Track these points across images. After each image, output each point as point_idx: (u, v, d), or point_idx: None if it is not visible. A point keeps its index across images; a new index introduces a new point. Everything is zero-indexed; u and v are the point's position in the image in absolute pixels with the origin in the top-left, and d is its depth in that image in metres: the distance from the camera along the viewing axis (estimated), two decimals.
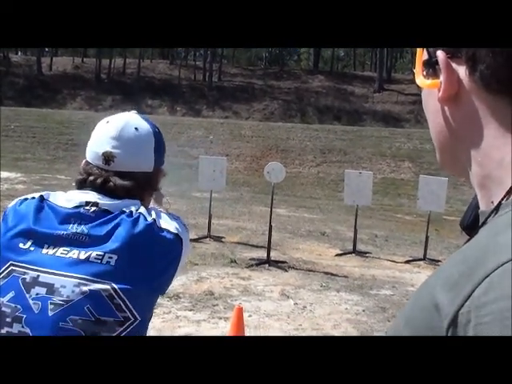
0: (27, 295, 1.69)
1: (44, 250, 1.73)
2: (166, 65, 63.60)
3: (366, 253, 12.78)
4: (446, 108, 0.90)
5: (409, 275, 10.86)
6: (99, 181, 1.83)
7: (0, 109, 36.40)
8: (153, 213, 1.84)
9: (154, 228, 1.78)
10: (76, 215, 1.78)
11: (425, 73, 0.92)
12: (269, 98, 53.81)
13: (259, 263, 10.82)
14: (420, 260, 12.11)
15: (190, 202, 19.32)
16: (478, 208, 1.11)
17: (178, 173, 28.48)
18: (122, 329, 1.68)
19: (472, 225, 1.12)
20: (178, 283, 8.99)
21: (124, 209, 1.80)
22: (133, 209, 1.81)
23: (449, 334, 0.73)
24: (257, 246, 12.44)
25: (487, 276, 0.71)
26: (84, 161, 1.92)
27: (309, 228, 16.02)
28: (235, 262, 10.85)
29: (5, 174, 22.83)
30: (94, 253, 1.70)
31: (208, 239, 12.84)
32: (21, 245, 1.74)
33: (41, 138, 34.90)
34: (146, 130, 1.94)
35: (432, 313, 0.76)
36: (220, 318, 7.50)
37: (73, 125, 35.76)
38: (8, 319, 1.69)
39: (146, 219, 1.79)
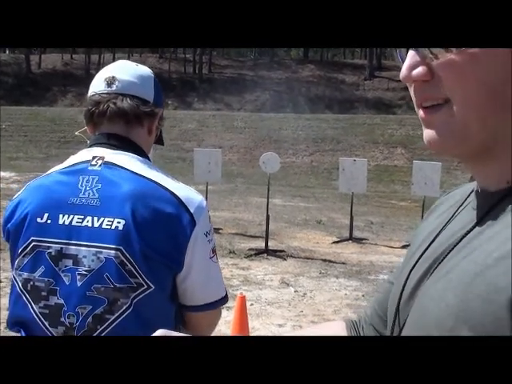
0: (56, 268, 1.75)
1: (61, 220, 1.77)
2: (155, 59, 63.30)
3: (363, 239, 12.88)
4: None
5: None
6: (102, 108, 1.89)
7: None
8: (162, 176, 1.88)
9: (160, 191, 1.81)
10: (84, 171, 1.83)
11: None
12: (260, 88, 53.68)
13: (258, 253, 10.92)
14: None
15: None
16: None
17: (172, 166, 28.55)
18: (134, 294, 1.72)
19: None
20: None
21: (128, 165, 1.84)
22: (137, 165, 1.85)
23: None
24: (254, 237, 12.54)
25: None
26: (88, 94, 1.98)
27: (305, 217, 16.11)
28: (234, 252, 10.94)
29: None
30: (105, 219, 1.74)
31: None
32: (38, 219, 1.78)
33: (33, 136, 34.85)
34: (146, 68, 2.05)
35: (501, 307, 0.72)
36: (222, 308, 7.57)
37: (64, 122, 35.68)
38: (44, 293, 1.76)
39: (151, 181, 1.82)
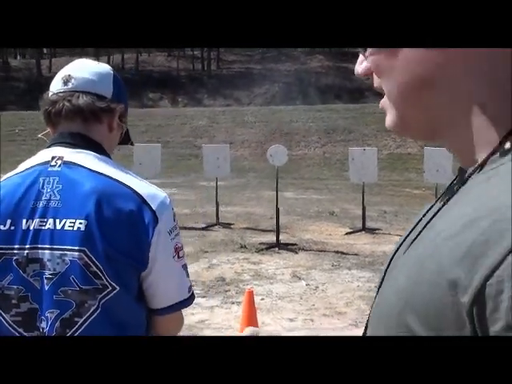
0: (24, 274, 1.72)
1: (24, 226, 1.73)
2: (164, 57, 63.52)
3: (376, 229, 12.76)
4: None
5: None
6: (58, 107, 1.86)
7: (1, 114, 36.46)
8: (123, 173, 1.84)
9: (121, 189, 1.77)
10: (44, 172, 1.79)
11: None
12: (269, 81, 53.65)
13: (269, 247, 10.83)
14: None
15: (197, 191, 19.35)
16: None
17: (184, 163, 28.54)
18: (101, 295, 1.69)
19: None
20: (189, 271, 9.01)
21: (88, 164, 1.80)
22: (97, 163, 1.82)
23: (473, 311, 0.66)
24: (266, 231, 12.45)
25: None
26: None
27: (317, 209, 16.01)
28: (245, 247, 10.87)
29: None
30: (67, 221, 1.71)
31: (217, 227, 12.89)
32: (1, 227, 1.74)
33: (45, 140, 35.02)
34: (105, 66, 2.03)
35: (444, 290, 0.69)
36: (233, 303, 7.54)
37: None
38: (14, 301, 1.72)
39: (112, 179, 1.78)
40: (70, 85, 1.88)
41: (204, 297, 7.79)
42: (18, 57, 70.28)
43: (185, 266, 1.88)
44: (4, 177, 1.89)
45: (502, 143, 0.77)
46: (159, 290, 1.82)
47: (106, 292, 1.70)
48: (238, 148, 31.00)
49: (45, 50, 73.00)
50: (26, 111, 41.76)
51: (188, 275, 1.91)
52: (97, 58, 56.00)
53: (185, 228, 12.65)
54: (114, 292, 1.70)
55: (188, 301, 1.89)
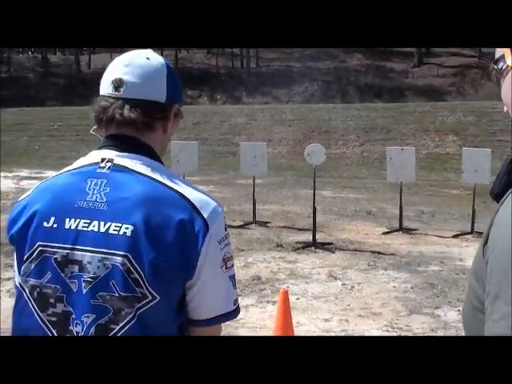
0: (63, 274, 1.70)
1: (67, 225, 1.71)
2: (203, 54, 63.67)
3: (413, 229, 12.65)
4: None
5: (457, 250, 10.74)
6: (109, 115, 1.78)
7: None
8: (174, 180, 1.78)
9: (172, 196, 1.72)
10: (92, 174, 1.77)
11: None
12: (308, 79, 53.46)
13: (305, 246, 10.82)
14: (468, 234, 11.93)
15: (235, 189, 19.41)
16: (509, 174, 1.12)
17: (222, 161, 28.60)
18: (139, 305, 1.65)
19: (502, 192, 1.12)
20: None
21: (139, 168, 1.76)
22: (147, 168, 1.77)
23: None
24: (302, 229, 12.43)
25: None
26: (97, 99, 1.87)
27: (355, 208, 15.93)
28: (281, 246, 10.87)
29: (53, 174, 23.15)
30: (112, 224, 1.68)
31: (253, 225, 12.89)
32: (45, 223, 1.73)
33: (84, 135, 35.26)
34: (158, 59, 1.88)
35: None
36: (268, 302, 7.55)
37: None
38: (51, 300, 1.71)
39: (163, 185, 1.74)
40: (121, 90, 1.79)
41: (239, 295, 7.76)
42: (58, 53, 71.04)
43: (232, 277, 1.82)
44: (54, 174, 1.88)
45: None
46: (204, 300, 1.76)
47: (144, 302, 1.66)
48: (276, 146, 30.98)
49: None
50: (65, 107, 42.27)
51: (235, 287, 1.84)
52: None
53: None
54: (154, 302, 1.66)
55: (233, 313, 1.82)
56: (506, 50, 1.02)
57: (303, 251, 10.56)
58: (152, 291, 1.66)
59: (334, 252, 10.55)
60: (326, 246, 10.87)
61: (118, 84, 1.79)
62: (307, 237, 11.38)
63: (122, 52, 1.90)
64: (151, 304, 1.66)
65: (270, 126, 34.09)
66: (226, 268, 1.78)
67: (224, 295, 1.80)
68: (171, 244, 1.66)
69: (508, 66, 1.06)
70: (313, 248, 10.73)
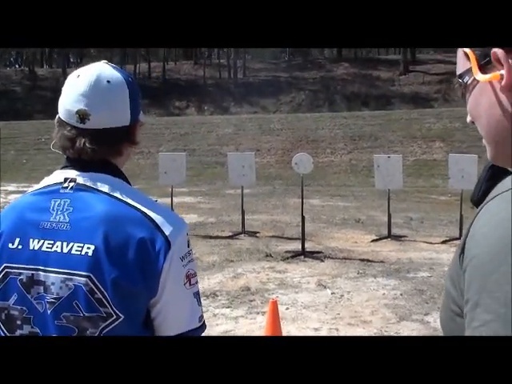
0: (29, 296, 1.70)
1: (31, 246, 1.72)
2: (190, 65, 63.74)
3: (402, 236, 12.70)
4: (504, 98, 1.04)
5: (446, 255, 10.76)
6: (77, 147, 1.77)
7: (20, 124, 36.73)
8: (136, 198, 1.78)
9: (133, 214, 1.73)
10: (56, 194, 1.77)
11: (482, 70, 1.05)
12: (295, 89, 53.63)
13: (294, 255, 10.83)
14: (456, 239, 11.95)
15: (223, 199, 19.42)
16: (487, 182, 1.16)
17: (210, 171, 28.60)
18: (104, 324, 1.66)
19: (482, 199, 1.14)
20: (214, 281, 9.07)
21: (101, 187, 1.76)
22: (111, 187, 1.77)
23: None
24: (291, 239, 12.45)
25: None
26: (57, 117, 1.85)
27: (343, 216, 15.96)
28: (270, 255, 10.88)
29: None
30: (75, 244, 1.68)
31: (243, 235, 12.90)
32: (10, 245, 1.74)
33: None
34: (119, 81, 1.82)
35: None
36: (258, 313, 7.53)
37: None
38: (18, 321, 1.72)
39: (125, 203, 1.74)
40: (86, 122, 1.76)
41: (229, 307, 7.80)
42: (45, 66, 70.98)
43: (197, 294, 1.82)
44: (20, 195, 1.89)
45: None
46: (168, 317, 1.76)
47: (109, 321, 1.66)
48: (265, 156, 31.00)
49: (71, 59, 73.73)
50: (52, 120, 42.12)
51: (200, 303, 1.85)
52: (124, 67, 56.42)
53: (210, 237, 12.70)
54: (119, 321, 1.67)
55: (198, 330, 1.83)
56: (473, 63, 1.03)
57: (292, 260, 10.56)
58: (116, 310, 1.66)
59: (323, 261, 10.56)
60: (315, 255, 10.88)
61: (83, 116, 1.76)
62: (296, 246, 11.39)
63: (109, 60, 1.87)
64: (116, 323, 1.67)
65: (258, 135, 34.12)
66: (190, 285, 1.78)
67: (188, 312, 1.81)
68: (132, 263, 1.67)
69: (475, 79, 1.07)
70: (302, 257, 10.74)
